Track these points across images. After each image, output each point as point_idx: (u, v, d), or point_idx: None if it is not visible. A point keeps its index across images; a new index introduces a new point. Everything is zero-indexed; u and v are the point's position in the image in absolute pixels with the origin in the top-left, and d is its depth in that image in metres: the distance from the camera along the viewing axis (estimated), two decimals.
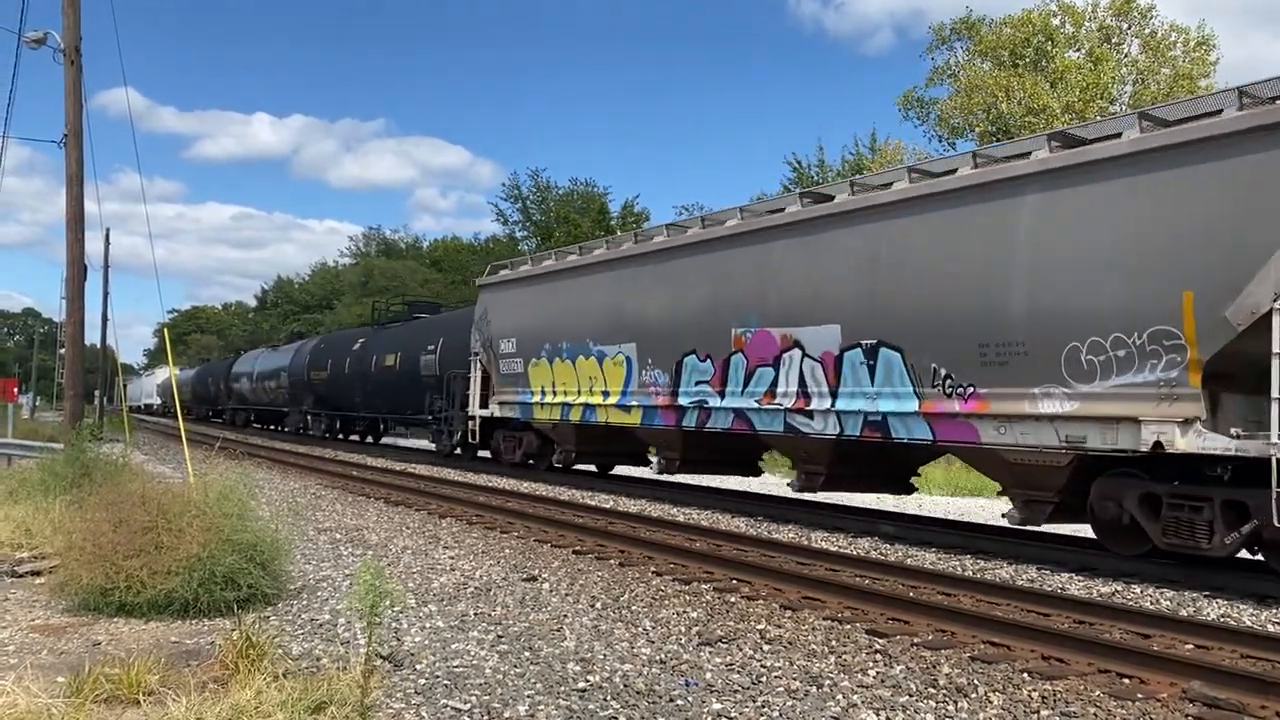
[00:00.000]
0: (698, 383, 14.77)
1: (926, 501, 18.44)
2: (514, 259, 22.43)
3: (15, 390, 29.00)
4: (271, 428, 44.24)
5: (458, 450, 23.10)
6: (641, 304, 16.19)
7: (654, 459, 16.85)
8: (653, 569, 9.43)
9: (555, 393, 18.26)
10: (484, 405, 20.59)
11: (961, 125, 37.72)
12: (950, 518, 15.26)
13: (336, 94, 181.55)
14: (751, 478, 18.23)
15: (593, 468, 20.43)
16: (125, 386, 53.50)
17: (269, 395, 40.75)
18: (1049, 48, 36.19)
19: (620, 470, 20.48)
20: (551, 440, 19.37)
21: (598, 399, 17.02)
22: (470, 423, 21.19)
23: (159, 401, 77.63)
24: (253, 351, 49.92)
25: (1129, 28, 36.19)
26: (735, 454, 16.26)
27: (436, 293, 56.48)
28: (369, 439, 34.25)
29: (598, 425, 17.34)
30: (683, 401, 15.00)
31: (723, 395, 14.23)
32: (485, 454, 22.42)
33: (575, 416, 17.71)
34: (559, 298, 18.53)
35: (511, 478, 19.35)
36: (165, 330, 24.69)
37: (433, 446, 25.20)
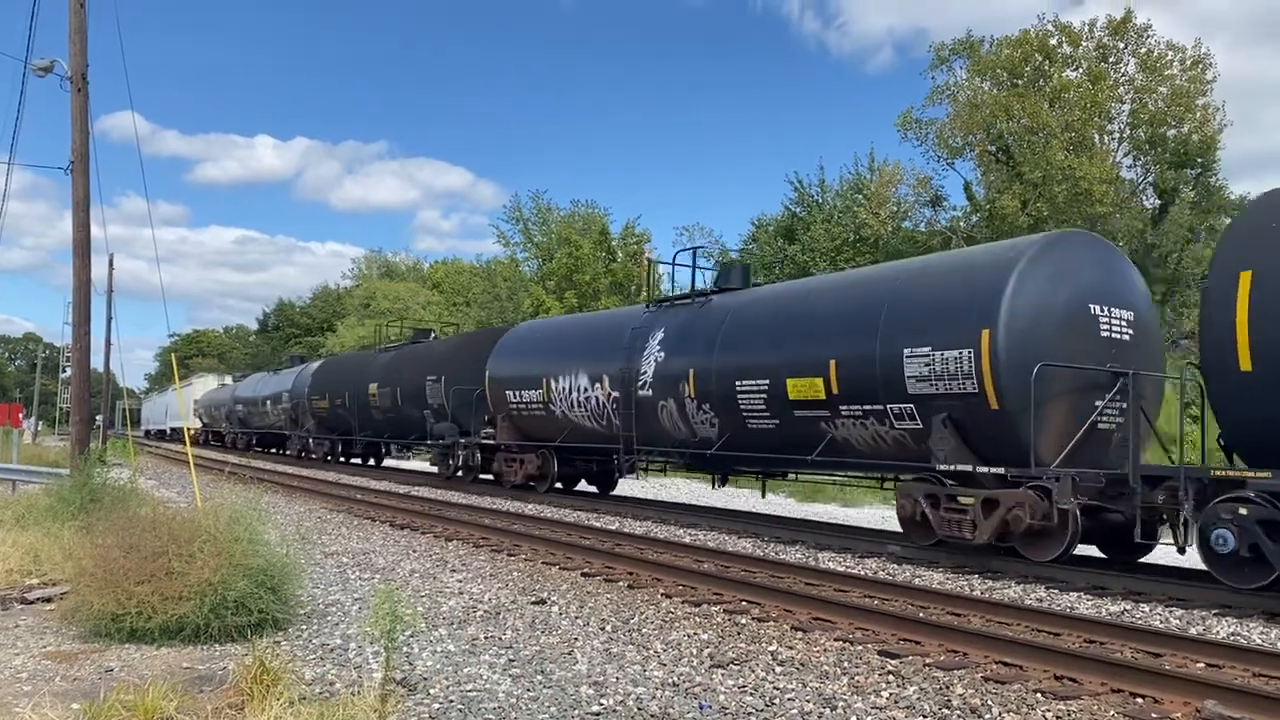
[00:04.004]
0: None
1: None
2: None
3: (20, 416, 29.00)
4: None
5: None
6: None
7: None
8: (661, 591, 9.42)
9: None
10: None
11: (961, 145, 37.94)
12: None
13: (339, 116, 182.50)
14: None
15: None
16: (130, 411, 51.35)
17: (736, 419, 14.52)
18: (1047, 67, 36.44)
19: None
20: None
21: None
22: None
23: (198, 424, 55.09)
24: (554, 323, 23.75)
25: (1126, 46, 36.44)
26: None
27: (438, 315, 56.39)
28: None
29: None
30: None
31: None
32: None
33: None
34: None
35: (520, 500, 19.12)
36: (172, 355, 24.54)
37: None
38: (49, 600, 8.34)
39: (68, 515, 11.26)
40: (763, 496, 18.26)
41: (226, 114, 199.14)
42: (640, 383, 16.18)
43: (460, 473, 23.11)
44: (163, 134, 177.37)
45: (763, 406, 13.73)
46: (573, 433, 18.57)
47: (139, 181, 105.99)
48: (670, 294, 18.94)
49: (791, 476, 16.32)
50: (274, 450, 42.21)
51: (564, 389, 18.42)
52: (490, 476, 22.05)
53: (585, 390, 17.78)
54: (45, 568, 9.42)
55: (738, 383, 14.14)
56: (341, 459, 33.15)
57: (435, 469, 25.59)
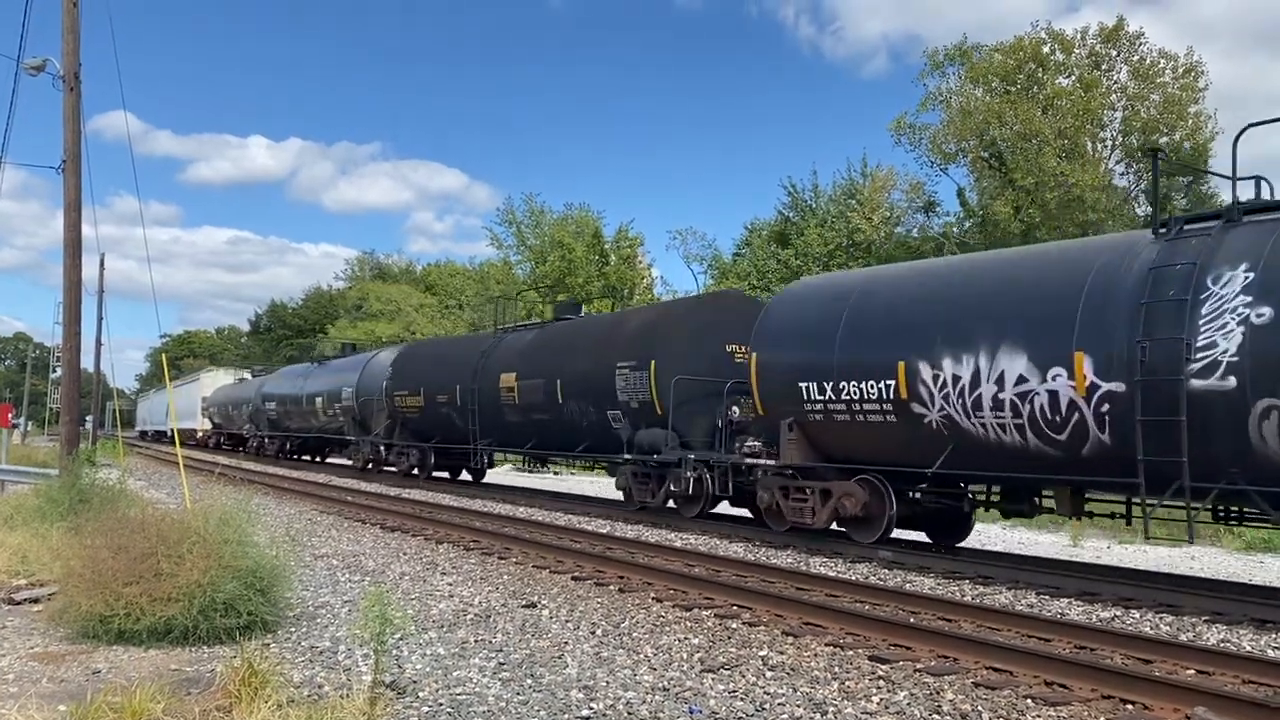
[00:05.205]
0: None
1: None
2: None
3: (9, 416, 28.85)
4: None
5: None
6: None
7: None
8: (652, 595, 9.41)
9: None
10: None
11: (954, 151, 38.06)
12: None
13: (333, 117, 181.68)
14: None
15: None
16: (120, 411, 50.19)
17: None
18: (1040, 74, 36.59)
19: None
20: None
21: None
22: None
23: (207, 426, 49.05)
24: (911, 271, 13.18)
25: (1118, 54, 36.61)
26: None
27: (430, 317, 56.35)
28: None
29: None
30: None
31: None
32: None
33: None
34: None
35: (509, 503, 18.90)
36: (163, 355, 23.89)
37: None
38: (36, 601, 8.29)
39: (56, 516, 11.21)
40: None
41: (220, 114, 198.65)
42: (1201, 364, 9.12)
43: (674, 503, 15.92)
44: (155, 134, 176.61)
45: None
46: (961, 452, 11.33)
47: (131, 181, 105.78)
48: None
49: None
50: (307, 458, 36.08)
51: (955, 380, 11.18)
52: (713, 510, 15.80)
53: (1021, 382, 10.52)
54: (33, 568, 9.37)
55: None
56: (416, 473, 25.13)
57: (621, 495, 17.68)
